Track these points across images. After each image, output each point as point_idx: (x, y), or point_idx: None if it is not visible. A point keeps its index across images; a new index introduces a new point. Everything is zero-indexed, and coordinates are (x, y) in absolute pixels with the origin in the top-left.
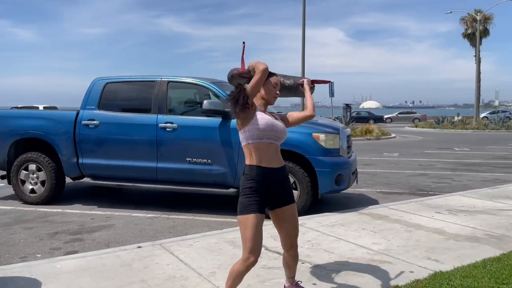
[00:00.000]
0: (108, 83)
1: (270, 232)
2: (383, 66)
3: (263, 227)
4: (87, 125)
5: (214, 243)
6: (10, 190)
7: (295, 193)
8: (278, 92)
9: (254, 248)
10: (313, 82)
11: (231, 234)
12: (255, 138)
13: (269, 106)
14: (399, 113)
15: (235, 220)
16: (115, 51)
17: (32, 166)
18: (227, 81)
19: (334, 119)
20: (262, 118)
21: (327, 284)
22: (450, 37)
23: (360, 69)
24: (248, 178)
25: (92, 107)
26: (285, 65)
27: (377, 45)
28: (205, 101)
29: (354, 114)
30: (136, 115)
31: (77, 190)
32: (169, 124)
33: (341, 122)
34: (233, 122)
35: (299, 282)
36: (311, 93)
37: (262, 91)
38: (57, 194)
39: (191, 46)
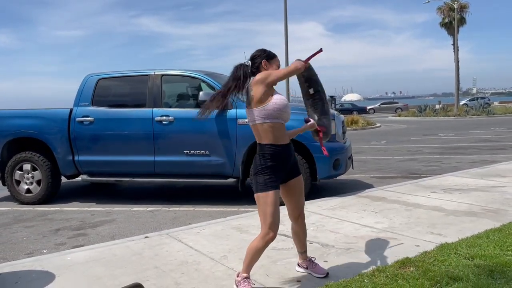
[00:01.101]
0: (100, 79)
1: None
2: (363, 58)
3: None
4: (82, 122)
5: (221, 230)
6: (5, 192)
7: None
8: None
9: (274, 224)
10: (307, 61)
11: (236, 221)
12: (272, 117)
13: None
14: (382, 104)
15: (236, 209)
16: (94, 53)
17: (27, 166)
18: (219, 72)
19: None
20: (281, 98)
21: (338, 261)
22: (427, 27)
23: (340, 62)
24: (266, 157)
25: (86, 103)
26: None
27: (357, 37)
28: (201, 93)
29: (338, 107)
30: (132, 109)
31: (73, 188)
32: (165, 117)
33: None
34: (230, 112)
35: (312, 259)
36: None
37: (271, 69)
38: (54, 193)
39: (171, 45)
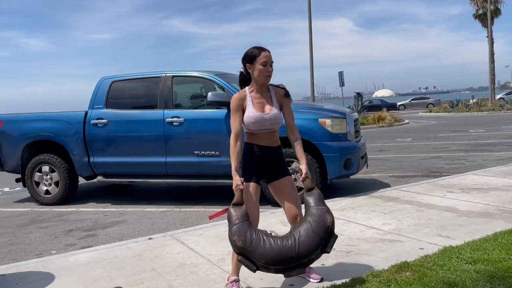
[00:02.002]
0: (114, 81)
1: (279, 218)
2: (395, 53)
3: (272, 214)
4: (96, 124)
5: (224, 231)
6: (27, 193)
7: None
8: (270, 70)
9: (250, 215)
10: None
11: None
12: (250, 129)
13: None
14: (412, 99)
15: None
16: (125, 54)
17: (46, 168)
18: (231, 73)
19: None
20: (249, 116)
21: (336, 264)
22: (461, 19)
23: (371, 58)
24: (244, 153)
25: (100, 106)
26: (295, 59)
27: (388, 32)
28: (209, 93)
29: (366, 103)
30: (143, 111)
31: (92, 189)
32: (175, 119)
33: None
34: None
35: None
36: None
37: (254, 73)
38: (71, 194)
39: (200, 46)
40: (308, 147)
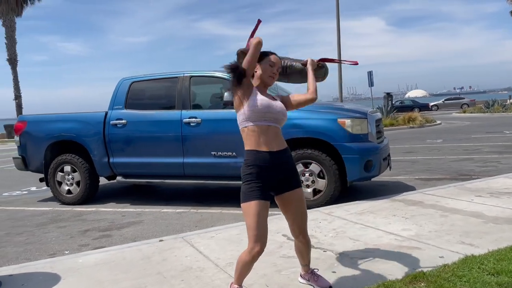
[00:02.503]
0: (133, 82)
1: None
2: (429, 53)
3: (283, 217)
4: (116, 124)
5: (236, 234)
6: (51, 193)
7: (323, 182)
8: (275, 72)
9: (259, 237)
10: (321, 61)
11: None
12: (252, 119)
13: (270, 88)
14: (446, 100)
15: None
16: (158, 57)
17: (67, 168)
18: None
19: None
20: (258, 98)
21: (347, 272)
22: (498, 17)
23: (404, 57)
24: (248, 164)
25: (120, 106)
26: None
27: (421, 31)
28: (226, 93)
29: (397, 103)
30: (161, 111)
31: (114, 189)
32: (192, 119)
33: (382, 112)
34: None
35: (315, 270)
36: (323, 75)
37: (259, 71)
38: (92, 194)
39: (230, 47)
40: (327, 149)
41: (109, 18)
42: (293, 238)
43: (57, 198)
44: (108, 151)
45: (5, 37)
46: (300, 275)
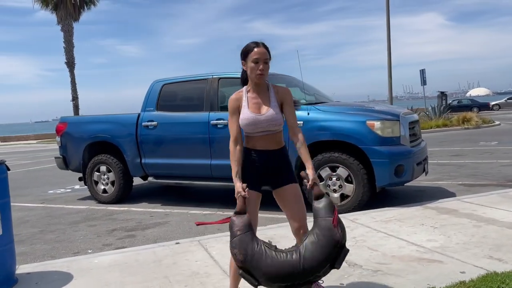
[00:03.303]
0: (165, 84)
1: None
2: (492, 49)
3: (308, 223)
4: (147, 126)
5: None
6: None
7: (350, 186)
8: (262, 67)
9: None
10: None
11: (272, 231)
12: (246, 131)
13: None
14: (509, 99)
15: (281, 216)
16: (211, 58)
17: (103, 168)
18: (281, 73)
19: (411, 109)
20: (243, 118)
21: (355, 285)
22: None
23: (465, 54)
24: (243, 159)
25: (151, 108)
26: (377, 58)
27: (484, 26)
28: None
29: (455, 103)
30: (190, 113)
31: (151, 189)
32: (220, 121)
33: (434, 112)
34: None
35: (319, 282)
36: None
37: (248, 71)
38: (126, 194)
39: (281, 47)
40: (355, 152)
41: (164, 21)
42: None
43: (94, 197)
44: (140, 152)
45: (64, 41)
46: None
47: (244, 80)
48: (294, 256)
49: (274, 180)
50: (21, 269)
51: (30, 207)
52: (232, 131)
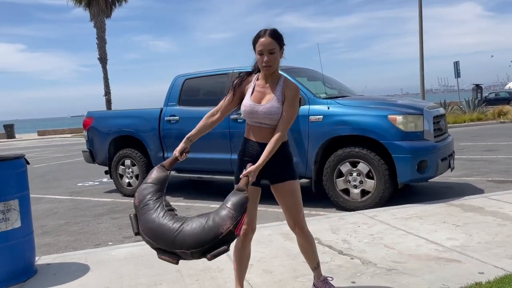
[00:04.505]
0: (187, 79)
1: (332, 224)
2: None
3: (328, 219)
4: (169, 121)
5: (268, 234)
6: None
7: (371, 182)
8: (268, 59)
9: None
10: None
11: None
12: (245, 119)
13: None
14: None
15: (308, 211)
16: (241, 53)
17: (128, 162)
18: (305, 67)
19: (443, 103)
20: (243, 104)
21: (367, 283)
22: None
23: (503, 45)
24: (240, 150)
25: (173, 103)
26: (409, 50)
27: None
28: None
29: (491, 96)
30: (210, 108)
31: (173, 183)
32: (240, 116)
33: (468, 106)
34: (302, 108)
35: (328, 278)
36: None
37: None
38: None
39: (312, 40)
40: (376, 147)
41: (195, 16)
42: (325, 243)
43: (119, 190)
44: (163, 146)
45: (96, 38)
46: (313, 284)
47: (257, 68)
48: (174, 224)
49: (272, 175)
50: (42, 259)
51: (59, 199)
52: (217, 105)
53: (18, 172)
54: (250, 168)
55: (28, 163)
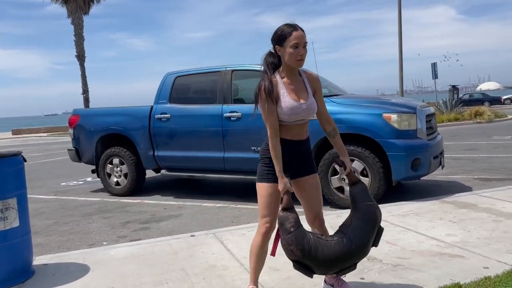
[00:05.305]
0: (178, 76)
1: (330, 222)
2: (504, 43)
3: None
4: (160, 118)
5: None
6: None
7: (366, 180)
8: (302, 52)
9: (267, 215)
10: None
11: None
12: (283, 121)
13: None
14: None
15: (299, 209)
16: (220, 51)
17: (116, 160)
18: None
19: (423, 102)
20: (286, 106)
21: (376, 279)
22: None
23: (475, 48)
24: (267, 148)
25: (164, 101)
26: (388, 51)
27: (495, 20)
28: None
29: (466, 97)
30: (203, 106)
31: (164, 181)
32: (233, 113)
33: (446, 106)
34: None
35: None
36: None
37: (285, 57)
38: (139, 186)
39: None
40: (371, 145)
41: (172, 14)
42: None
43: (107, 189)
44: (153, 145)
45: (74, 35)
46: (324, 280)
47: (274, 65)
48: (345, 240)
49: (296, 169)
50: (38, 260)
51: (44, 199)
52: (271, 122)
53: (16, 169)
54: (348, 162)
55: (25, 160)
